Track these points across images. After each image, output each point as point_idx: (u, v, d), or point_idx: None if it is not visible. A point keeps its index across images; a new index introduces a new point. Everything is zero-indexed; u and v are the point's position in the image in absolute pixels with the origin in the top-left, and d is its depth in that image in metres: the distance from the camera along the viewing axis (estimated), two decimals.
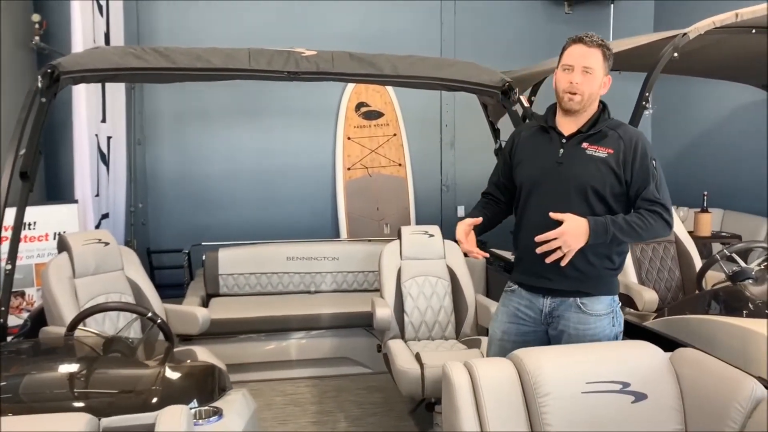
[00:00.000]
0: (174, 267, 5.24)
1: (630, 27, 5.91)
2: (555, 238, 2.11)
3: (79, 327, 2.48)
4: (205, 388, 2.07)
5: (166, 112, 5.68)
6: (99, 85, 4.61)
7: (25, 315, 3.76)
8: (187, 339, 3.66)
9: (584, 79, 2.19)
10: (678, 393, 2.10)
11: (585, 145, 2.24)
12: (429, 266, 3.76)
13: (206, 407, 1.95)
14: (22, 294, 4.09)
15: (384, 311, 3.47)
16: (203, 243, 5.10)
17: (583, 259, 2.24)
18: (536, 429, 2.05)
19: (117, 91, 5.03)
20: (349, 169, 5.82)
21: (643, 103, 2.93)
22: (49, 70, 2.95)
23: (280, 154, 5.84)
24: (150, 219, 5.69)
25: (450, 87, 3.57)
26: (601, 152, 2.23)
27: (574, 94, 2.20)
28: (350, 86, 5.81)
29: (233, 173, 5.77)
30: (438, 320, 3.65)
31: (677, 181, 5.93)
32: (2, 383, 1.99)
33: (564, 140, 2.27)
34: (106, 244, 3.26)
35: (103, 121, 4.75)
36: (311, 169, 5.91)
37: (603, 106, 2.30)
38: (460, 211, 6.08)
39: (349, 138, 5.85)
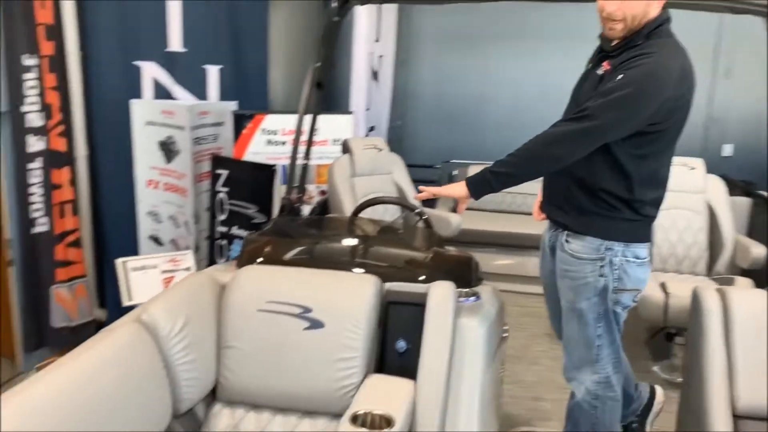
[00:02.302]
0: (424, 181, 5.68)
1: None
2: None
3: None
4: (464, 274, 2.36)
5: (429, 34, 6.00)
6: (374, 6, 5.05)
7: (306, 208, 4.47)
8: None
9: (621, 3, 1.95)
10: None
11: (603, 63, 2.07)
12: (684, 200, 3.63)
13: (466, 289, 2.24)
14: (305, 189, 4.81)
15: None
16: (452, 161, 5.45)
17: (567, 188, 2.11)
18: None
19: (389, 12, 5.46)
20: None
21: None
22: None
23: (535, 80, 5.87)
24: (406, 136, 6.17)
25: (738, 10, 3.29)
26: (602, 70, 2.05)
27: (614, 21, 1.99)
28: None
29: (487, 96, 5.96)
30: (689, 255, 3.56)
31: None
32: (303, 247, 2.49)
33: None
34: (380, 150, 3.71)
35: (377, 40, 5.22)
36: (565, 97, 5.84)
37: (641, 29, 2.00)
38: (726, 149, 5.59)
39: None
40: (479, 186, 2.08)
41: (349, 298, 1.99)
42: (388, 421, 1.67)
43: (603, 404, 2.23)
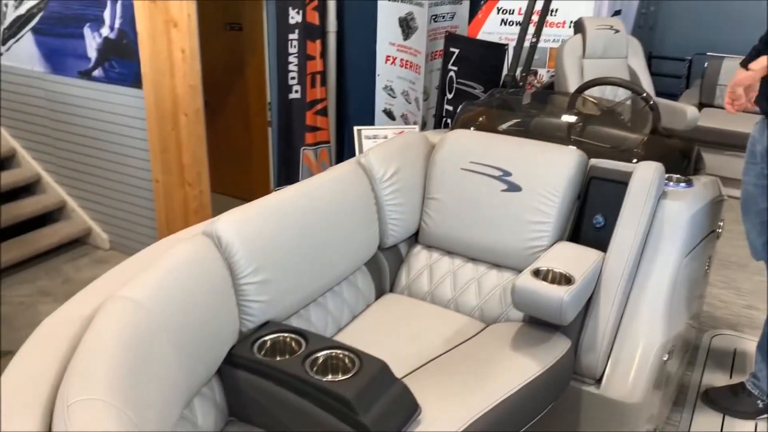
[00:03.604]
0: (672, 75, 5.23)
1: None
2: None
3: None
4: (679, 162, 2.26)
5: None
6: None
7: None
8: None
9: None
10: None
11: None
12: None
13: (678, 176, 2.15)
14: (535, 73, 4.74)
15: None
16: (708, 53, 4.90)
17: None
18: None
19: None
20: None
21: None
22: None
23: None
24: (658, 24, 5.63)
25: None
26: None
27: None
28: None
29: None
30: None
31: None
32: (517, 119, 2.54)
33: None
34: (616, 31, 3.50)
35: None
36: None
37: None
38: None
39: None
40: None
41: (549, 167, 2.05)
42: (568, 280, 1.76)
43: None
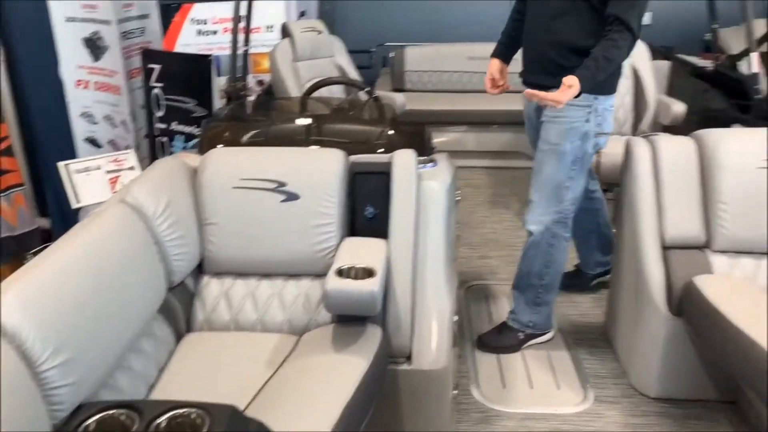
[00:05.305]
0: (361, 67, 5.67)
1: None
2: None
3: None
4: (420, 145, 2.50)
5: None
6: None
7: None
8: None
9: None
10: None
11: None
12: None
13: (423, 157, 2.39)
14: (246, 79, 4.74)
15: None
16: (387, 44, 5.45)
17: (561, 53, 2.35)
18: (709, 200, 2.30)
19: None
20: None
21: None
22: None
23: None
24: (337, 20, 6.05)
25: None
26: None
27: None
28: None
29: None
30: (616, 116, 3.81)
31: None
32: (262, 129, 2.54)
33: None
34: (319, 32, 3.70)
35: None
36: None
37: None
38: (646, 18, 5.80)
39: None
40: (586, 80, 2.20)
41: (321, 170, 2.11)
42: (369, 273, 1.84)
43: (558, 243, 2.49)
